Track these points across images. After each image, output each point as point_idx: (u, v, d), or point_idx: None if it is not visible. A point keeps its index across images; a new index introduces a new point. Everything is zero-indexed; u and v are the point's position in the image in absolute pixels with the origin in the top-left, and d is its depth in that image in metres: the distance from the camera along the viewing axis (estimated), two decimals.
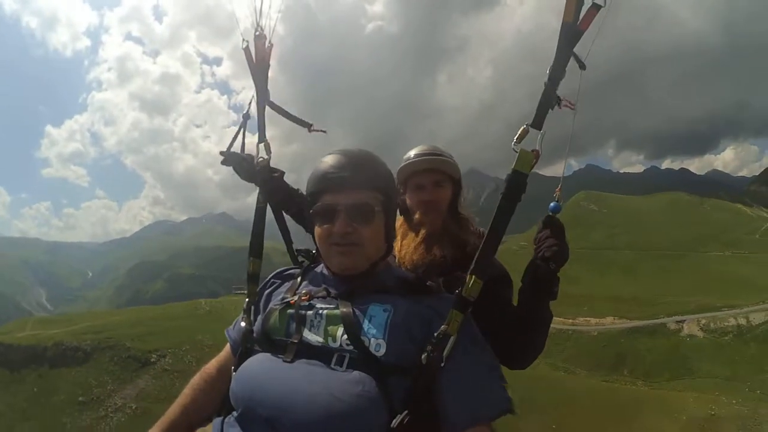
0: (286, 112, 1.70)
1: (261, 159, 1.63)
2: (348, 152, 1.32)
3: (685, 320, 52.16)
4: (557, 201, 1.51)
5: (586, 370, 46.78)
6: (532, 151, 1.24)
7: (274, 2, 1.58)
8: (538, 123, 1.24)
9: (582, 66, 1.27)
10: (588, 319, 56.67)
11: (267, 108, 1.70)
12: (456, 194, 1.95)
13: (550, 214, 1.52)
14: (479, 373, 1.18)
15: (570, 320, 56.12)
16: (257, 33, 1.60)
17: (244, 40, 1.61)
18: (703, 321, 51.45)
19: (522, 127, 1.25)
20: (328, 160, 1.31)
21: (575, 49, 1.24)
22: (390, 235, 1.38)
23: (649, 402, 30.21)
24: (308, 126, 1.75)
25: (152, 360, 34.77)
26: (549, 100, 1.24)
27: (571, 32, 1.20)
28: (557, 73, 1.23)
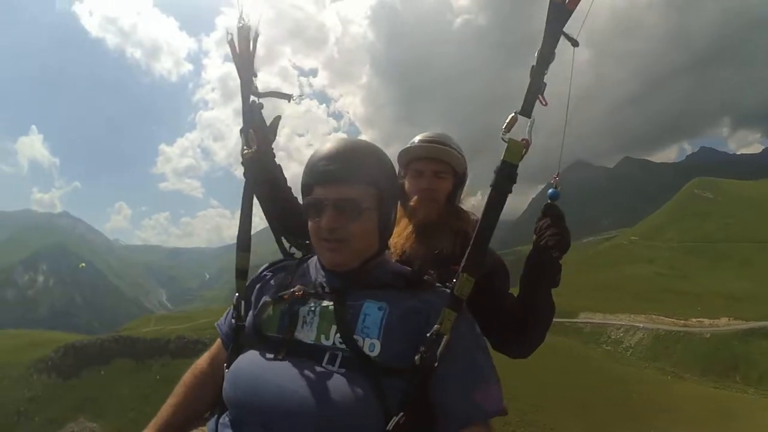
0: (272, 92, 1.68)
1: (246, 150, 1.58)
2: (342, 143, 1.27)
3: None
4: (555, 188, 1.48)
5: (696, 375, 42.66)
6: (522, 140, 1.18)
7: None
8: (527, 110, 1.18)
9: (575, 43, 1.20)
10: (701, 320, 51.54)
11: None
12: (456, 187, 1.90)
13: (549, 201, 1.49)
14: (475, 372, 1.16)
15: (681, 321, 51.50)
16: (240, 24, 1.57)
17: (228, 33, 1.58)
18: None
19: (510, 115, 1.18)
20: (321, 151, 1.26)
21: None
22: (385, 231, 1.33)
23: (760, 412, 27.58)
24: (289, 97, 1.72)
25: None
26: (538, 85, 1.17)
27: (560, 11, 1.15)
28: (546, 55, 1.17)
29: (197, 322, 54.87)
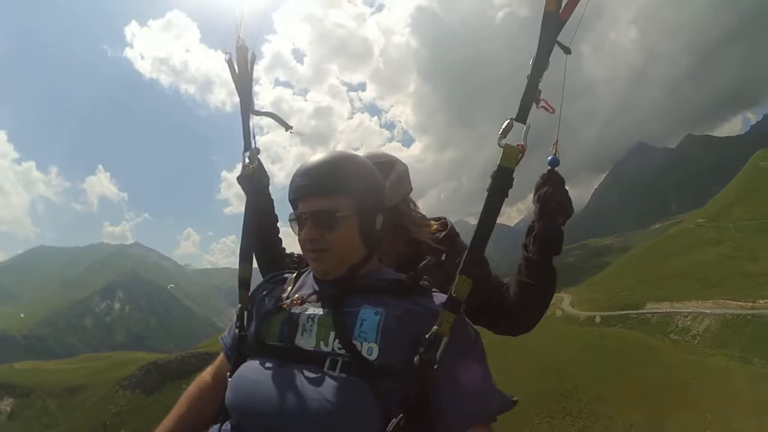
0: (272, 113, 1.73)
1: (247, 166, 1.64)
2: (316, 159, 1.31)
3: None
4: (555, 154, 1.47)
5: (765, 359, 40.32)
6: (518, 145, 1.18)
7: (255, 15, 1.63)
8: (522, 117, 1.20)
9: (567, 51, 1.25)
10: None
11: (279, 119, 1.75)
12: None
13: (550, 167, 1.49)
14: (474, 373, 1.16)
15: (750, 303, 48.93)
16: (239, 45, 1.61)
17: (226, 53, 1.62)
18: None
19: (506, 121, 1.20)
20: (297, 169, 1.32)
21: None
22: (369, 237, 1.33)
23: None
24: (288, 127, 1.77)
25: None
26: (532, 93, 1.20)
27: (554, 22, 1.18)
28: (541, 64, 1.20)
29: None
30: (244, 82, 1.65)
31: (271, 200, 1.95)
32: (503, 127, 1.20)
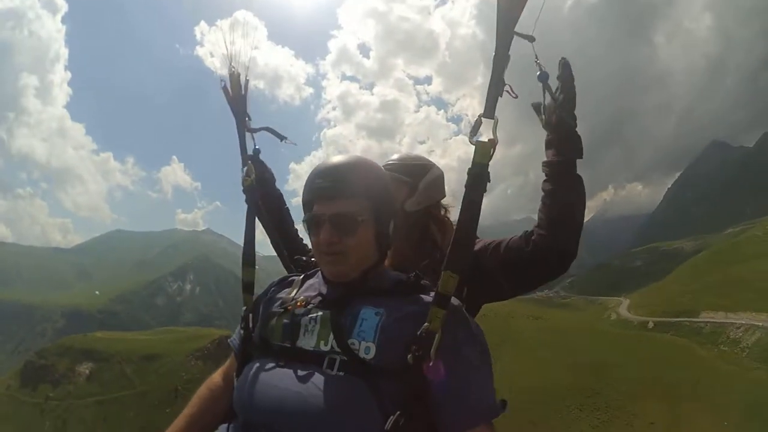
0: (267, 128, 1.84)
1: (246, 179, 1.72)
2: (335, 161, 1.32)
3: None
4: (542, 69, 1.44)
5: None
6: (489, 140, 1.20)
7: (244, 47, 1.76)
8: (489, 113, 1.21)
9: (531, 39, 1.26)
10: None
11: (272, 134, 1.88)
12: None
13: (541, 83, 1.46)
14: (471, 371, 1.16)
15: None
16: (231, 71, 1.75)
17: (221, 80, 1.77)
18: None
19: (475, 119, 1.22)
20: (316, 170, 1.32)
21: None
22: (383, 242, 1.34)
23: None
24: (283, 138, 1.91)
25: None
26: (497, 87, 1.21)
27: (508, 15, 1.19)
28: (501, 58, 1.20)
29: None
30: (238, 104, 1.79)
31: (282, 200, 2.12)
32: (473, 125, 1.23)
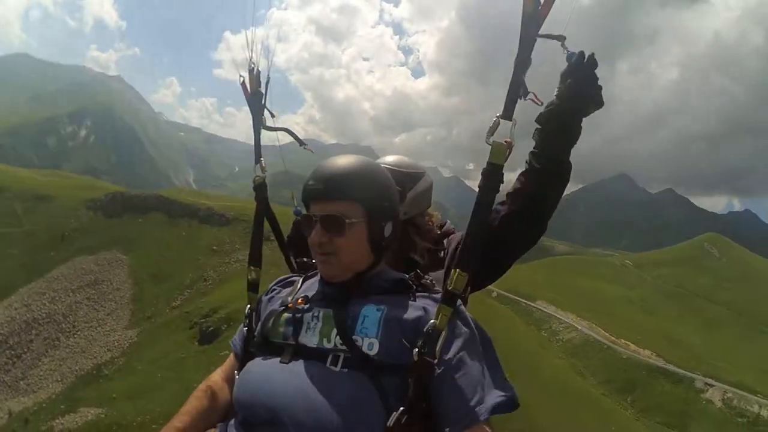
0: (286, 129, 1.79)
1: (257, 177, 1.69)
2: (331, 164, 1.32)
3: None
4: (568, 51, 1.39)
5: (603, 384, 48.87)
6: (505, 141, 1.22)
7: (267, 41, 1.69)
8: (507, 114, 1.21)
9: (561, 38, 1.29)
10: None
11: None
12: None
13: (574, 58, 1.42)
14: (475, 369, 1.16)
15: (619, 339, 56.64)
16: (251, 68, 1.69)
17: (240, 75, 1.70)
18: None
19: (493, 119, 1.22)
20: (314, 171, 1.32)
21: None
22: (377, 245, 1.32)
23: None
24: (303, 144, 1.89)
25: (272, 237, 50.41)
26: (516, 90, 1.22)
27: (533, 18, 1.20)
28: (523, 60, 1.21)
29: (224, 203, 65.80)
30: (256, 101, 1.73)
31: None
32: (491, 125, 1.23)
